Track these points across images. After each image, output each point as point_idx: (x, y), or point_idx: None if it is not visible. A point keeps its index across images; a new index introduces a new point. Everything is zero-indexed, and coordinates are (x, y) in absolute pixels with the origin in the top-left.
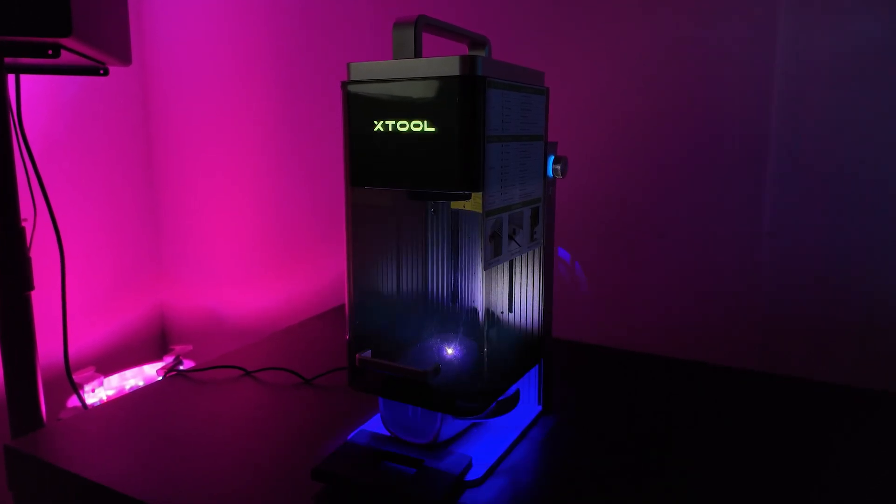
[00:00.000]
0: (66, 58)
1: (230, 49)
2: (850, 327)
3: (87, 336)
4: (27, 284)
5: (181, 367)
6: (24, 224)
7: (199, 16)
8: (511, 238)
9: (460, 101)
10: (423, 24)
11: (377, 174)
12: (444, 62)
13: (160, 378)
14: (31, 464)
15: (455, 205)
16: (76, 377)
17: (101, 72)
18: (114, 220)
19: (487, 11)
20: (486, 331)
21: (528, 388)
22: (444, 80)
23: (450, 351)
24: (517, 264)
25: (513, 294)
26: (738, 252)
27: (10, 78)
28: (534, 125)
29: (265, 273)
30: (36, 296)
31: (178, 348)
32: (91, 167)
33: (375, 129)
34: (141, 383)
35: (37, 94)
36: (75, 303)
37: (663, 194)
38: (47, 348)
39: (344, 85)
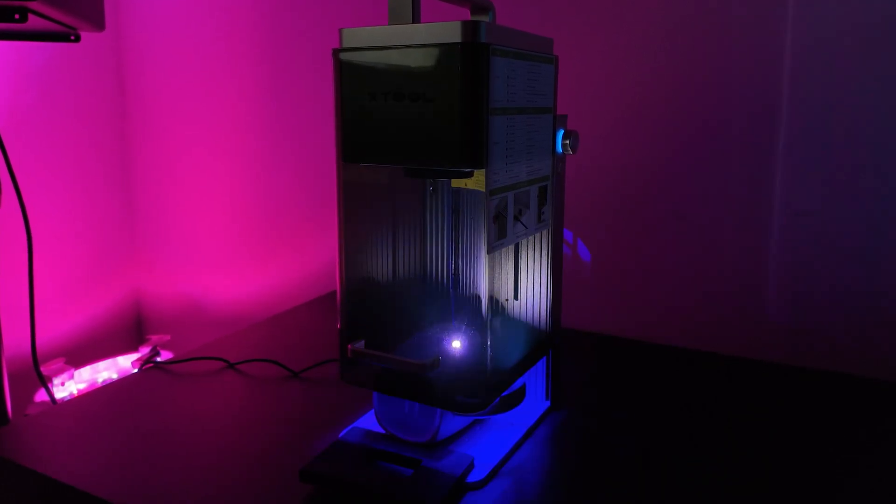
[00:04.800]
0: (33, 22)
1: (212, 14)
2: (880, 316)
3: (57, 325)
4: None
5: (158, 359)
6: None
7: None
8: (517, 219)
9: (462, 70)
10: None
11: (371, 149)
12: (444, 28)
13: (135, 370)
14: None
15: (456, 183)
16: (44, 369)
17: (73, 38)
18: (85, 199)
19: None
20: (489, 320)
21: (534, 381)
22: (444, 48)
23: (450, 342)
24: (523, 247)
25: (518, 280)
26: (762, 234)
27: None
28: (542, 97)
29: (250, 257)
30: (0, 281)
31: (154, 338)
32: (61, 142)
33: (370, 100)
34: (115, 376)
35: (1, 62)
36: (43, 289)
37: (681, 172)
38: (13, 338)
39: (335, 52)
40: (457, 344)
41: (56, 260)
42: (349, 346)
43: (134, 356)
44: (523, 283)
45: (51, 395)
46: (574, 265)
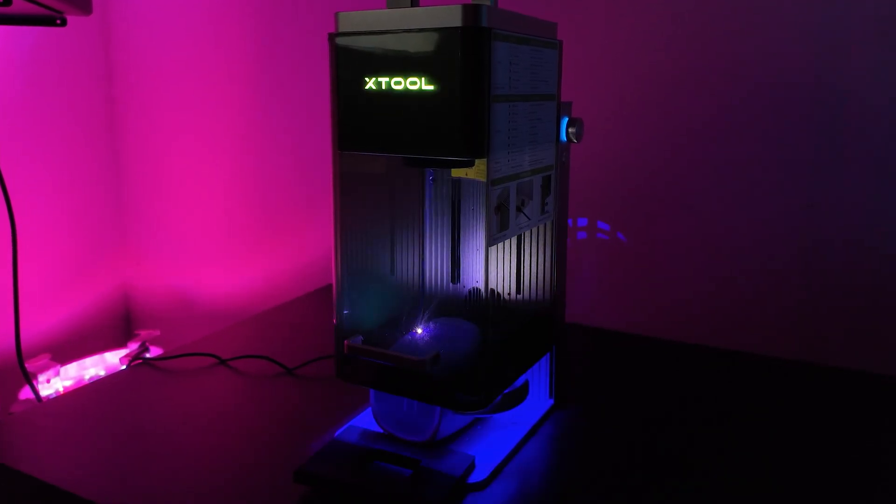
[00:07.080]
0: (18, 6)
1: None
2: (891, 311)
3: (42, 320)
4: None
5: (147, 355)
6: None
7: None
8: (519, 210)
9: (462, 55)
10: None
11: (368, 138)
12: (444, 11)
13: (124, 367)
14: None
15: (456, 172)
16: (29, 366)
17: (59, 22)
18: (72, 189)
19: None
20: (490, 315)
21: (537, 379)
22: (444, 32)
23: (450, 338)
24: (526, 239)
25: (521, 273)
26: (772, 226)
27: None
28: (545, 83)
29: (242, 249)
30: None
31: (143, 333)
32: (47, 130)
33: (367, 86)
34: (102, 373)
35: None
36: (28, 282)
37: (689, 162)
38: None
39: (331, 37)
40: (457, 340)
41: (41, 252)
42: (346, 341)
43: (122, 352)
44: (526, 277)
45: (36, 392)
46: (574, 256)
